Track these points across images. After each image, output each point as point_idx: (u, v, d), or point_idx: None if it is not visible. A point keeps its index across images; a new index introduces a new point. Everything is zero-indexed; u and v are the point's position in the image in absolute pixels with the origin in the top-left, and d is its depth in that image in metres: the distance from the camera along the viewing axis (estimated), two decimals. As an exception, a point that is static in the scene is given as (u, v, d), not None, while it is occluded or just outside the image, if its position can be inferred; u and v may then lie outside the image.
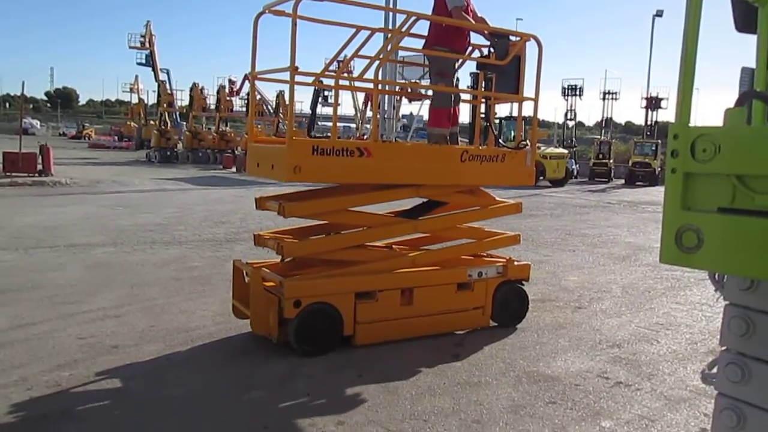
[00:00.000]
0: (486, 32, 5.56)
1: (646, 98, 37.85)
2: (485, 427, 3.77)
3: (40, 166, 19.30)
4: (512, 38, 5.54)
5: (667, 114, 38.92)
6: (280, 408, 3.96)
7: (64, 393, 4.03)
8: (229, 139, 34.37)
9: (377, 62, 5.09)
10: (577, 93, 36.24)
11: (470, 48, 5.90)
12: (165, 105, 35.25)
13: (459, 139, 6.10)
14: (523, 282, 5.97)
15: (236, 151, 32.07)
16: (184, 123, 36.99)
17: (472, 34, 5.76)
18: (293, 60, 4.45)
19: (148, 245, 9.29)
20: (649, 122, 38.42)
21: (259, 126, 33.08)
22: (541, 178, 25.84)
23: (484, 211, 5.77)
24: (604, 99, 39.41)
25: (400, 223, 5.39)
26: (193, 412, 3.85)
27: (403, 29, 5.30)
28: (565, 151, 29.39)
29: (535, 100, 5.78)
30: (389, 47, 5.38)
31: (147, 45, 37.16)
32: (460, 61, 5.88)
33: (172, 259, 8.38)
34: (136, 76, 47.52)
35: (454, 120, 5.93)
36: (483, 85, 5.99)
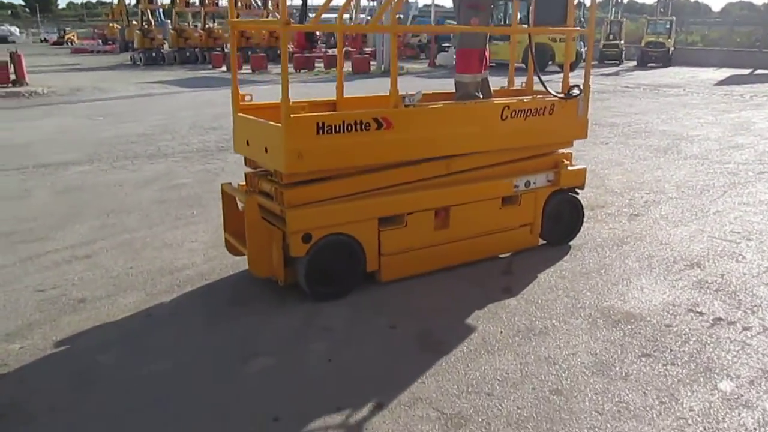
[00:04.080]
0: None
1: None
2: (569, 400, 2.85)
3: (13, 76, 17.79)
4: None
5: (681, -13, 36.37)
6: (294, 384, 3.02)
7: (11, 377, 3.08)
8: (217, 36, 32.25)
9: None
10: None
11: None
12: (145, 2, 32.78)
13: (489, 83, 4.83)
14: (578, 190, 4.92)
15: (225, 49, 30.08)
16: (168, 21, 34.69)
17: None
18: None
19: (129, 160, 8.18)
20: (661, -3, 35.89)
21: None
22: (550, 62, 24.23)
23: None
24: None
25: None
26: (183, 400, 2.90)
27: None
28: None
29: (591, 23, 4.53)
30: None
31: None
32: None
33: (157, 176, 7.30)
34: (116, -25, 44.26)
35: (485, 62, 4.68)
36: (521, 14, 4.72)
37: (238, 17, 31.51)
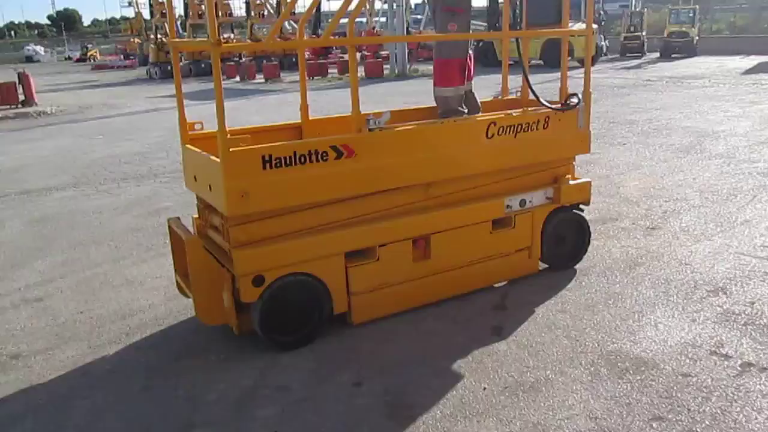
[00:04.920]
0: None
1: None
2: (558, 487, 2.29)
3: (22, 96, 17.70)
4: None
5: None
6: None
7: None
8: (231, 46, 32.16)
9: None
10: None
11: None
12: (158, 15, 32.83)
13: (475, 96, 4.30)
14: (582, 207, 4.34)
15: (242, 58, 29.87)
16: (186, 34, 34.70)
17: None
18: None
19: (116, 183, 7.79)
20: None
21: (263, 30, 30.61)
22: (569, 58, 23.43)
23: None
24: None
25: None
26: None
27: None
28: (596, 26, 26.56)
29: (588, 26, 3.99)
30: None
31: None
32: None
33: (139, 199, 6.88)
34: (134, -11, 44.46)
35: (469, 72, 4.13)
36: (509, 15, 4.18)
37: (252, 27, 31.46)
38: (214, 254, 3.39)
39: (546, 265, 4.27)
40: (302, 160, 3.16)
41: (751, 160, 7.33)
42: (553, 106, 3.94)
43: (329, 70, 25.94)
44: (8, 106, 17.21)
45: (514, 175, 3.97)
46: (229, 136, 3.02)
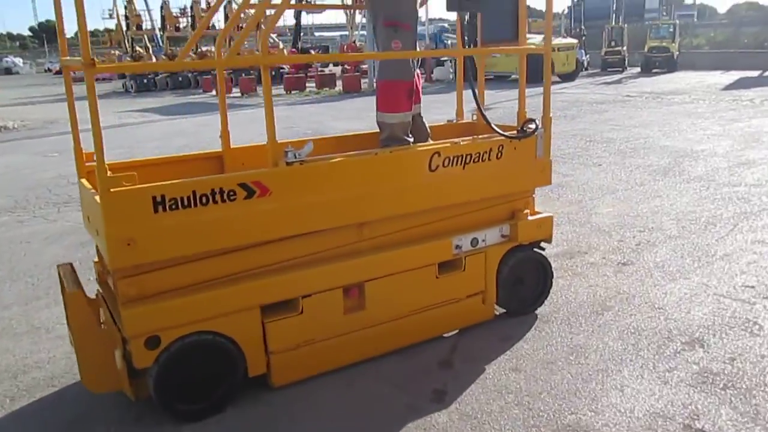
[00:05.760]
0: None
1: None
2: None
3: (-17, 111, 17.07)
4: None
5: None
6: None
7: None
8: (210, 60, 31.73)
9: None
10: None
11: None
12: (134, 28, 32.30)
13: (423, 120, 3.87)
14: (543, 245, 3.88)
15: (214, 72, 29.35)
16: (163, 47, 34.20)
17: None
18: None
19: (57, 207, 7.24)
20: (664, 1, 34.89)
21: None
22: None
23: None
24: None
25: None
26: None
27: None
28: (574, 41, 26.41)
29: (547, 40, 3.56)
30: None
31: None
32: None
33: (75, 227, 6.33)
34: (114, 0, 43.89)
35: (417, 94, 3.68)
36: (462, 33, 3.75)
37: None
38: (109, 307, 2.89)
39: (503, 310, 3.80)
40: (203, 200, 2.67)
41: (731, 183, 6.94)
42: (507, 134, 3.48)
43: (306, 85, 25.50)
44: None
45: (463, 211, 3.50)
46: (109, 173, 2.53)
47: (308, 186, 2.92)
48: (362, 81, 24.52)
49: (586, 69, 28.22)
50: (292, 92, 23.95)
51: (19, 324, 4.08)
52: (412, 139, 3.63)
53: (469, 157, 3.36)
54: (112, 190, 2.52)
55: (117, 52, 46.92)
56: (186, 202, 2.64)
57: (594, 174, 7.71)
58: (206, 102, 22.36)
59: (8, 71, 65.03)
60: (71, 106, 3.15)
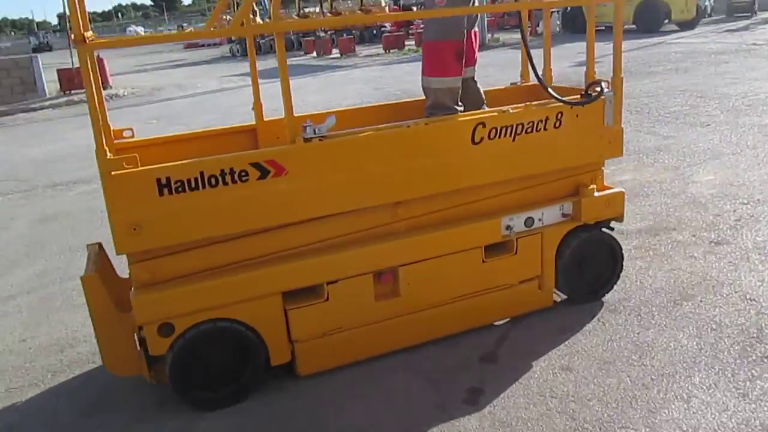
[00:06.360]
0: None
1: None
2: None
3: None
4: None
5: None
6: None
7: None
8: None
9: None
10: None
11: None
12: (238, -8, 32.97)
13: (477, 85, 3.46)
14: (612, 224, 3.43)
15: (319, 34, 29.44)
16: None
17: None
18: None
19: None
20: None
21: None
22: (666, 21, 21.38)
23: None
24: None
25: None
26: None
27: None
28: (698, -16, 24.02)
29: None
30: None
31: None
32: None
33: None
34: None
35: (469, 55, 3.27)
36: None
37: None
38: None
39: (562, 296, 3.42)
40: (212, 182, 2.50)
41: None
42: (566, 99, 3.04)
43: (406, 43, 25.00)
44: (84, 91, 17.58)
45: (515, 187, 3.12)
46: (109, 155, 2.40)
47: (329, 164, 2.67)
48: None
49: (710, 15, 25.69)
50: (390, 51, 23.59)
51: (80, 295, 4.15)
52: (461, 108, 3.27)
53: (520, 127, 2.96)
54: (113, 173, 2.39)
55: (228, 17, 48.48)
56: (193, 184, 2.47)
57: (699, 135, 6.91)
58: (306, 64, 22.56)
59: (131, 40, 68.77)
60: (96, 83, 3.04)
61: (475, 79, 3.49)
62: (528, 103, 3.06)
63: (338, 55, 24.81)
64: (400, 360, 2.98)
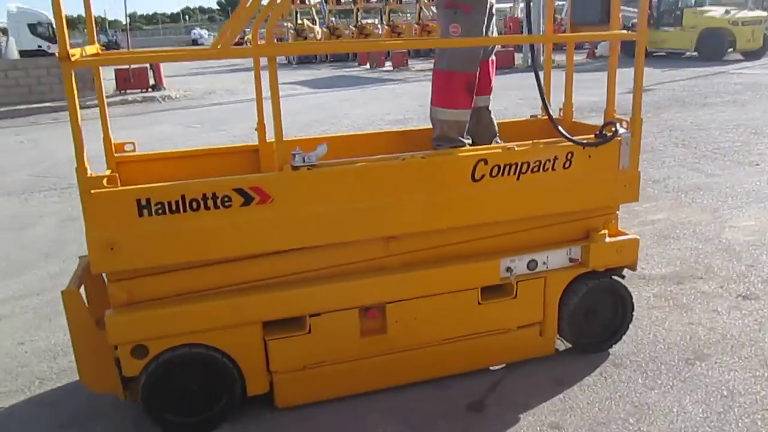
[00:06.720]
0: None
1: None
2: None
3: (152, 81, 18.56)
4: None
5: None
6: None
7: None
8: (368, 33, 32.08)
9: None
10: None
11: None
12: (298, 1, 33.48)
13: (491, 116, 3.35)
14: (634, 269, 3.23)
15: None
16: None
17: None
18: None
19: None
20: None
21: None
22: (730, 50, 20.62)
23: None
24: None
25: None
26: None
27: None
28: (764, 14, 23.16)
29: (641, 22, 2.88)
30: None
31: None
32: None
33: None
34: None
35: (484, 84, 3.20)
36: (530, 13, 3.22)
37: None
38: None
39: (566, 344, 3.23)
40: (194, 206, 2.44)
41: None
42: (576, 139, 2.88)
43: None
44: (140, 91, 18.09)
45: (518, 228, 2.97)
46: (90, 173, 2.36)
47: (317, 194, 2.58)
48: (516, 56, 23.37)
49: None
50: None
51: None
52: (468, 141, 3.15)
53: (525, 165, 2.82)
54: (93, 191, 2.36)
55: (289, 24, 49.45)
56: (174, 207, 2.42)
57: (746, 175, 6.56)
58: (357, 76, 22.65)
59: (194, 42, 70.71)
60: (100, 98, 3.04)
61: (490, 108, 3.36)
62: (535, 141, 2.91)
63: (391, 68, 24.88)
64: (383, 400, 2.86)
